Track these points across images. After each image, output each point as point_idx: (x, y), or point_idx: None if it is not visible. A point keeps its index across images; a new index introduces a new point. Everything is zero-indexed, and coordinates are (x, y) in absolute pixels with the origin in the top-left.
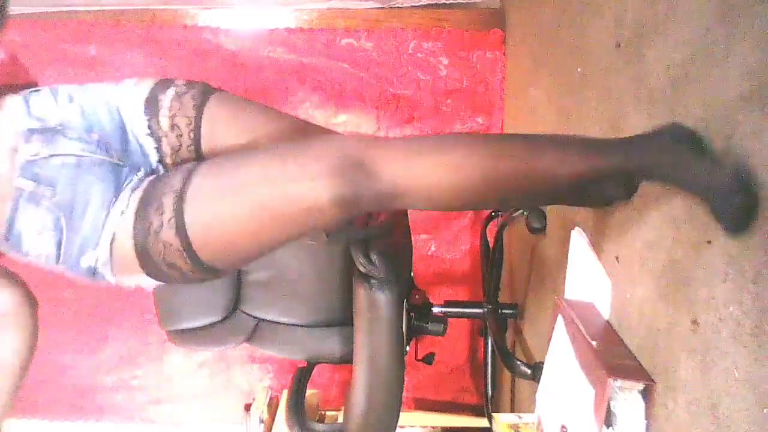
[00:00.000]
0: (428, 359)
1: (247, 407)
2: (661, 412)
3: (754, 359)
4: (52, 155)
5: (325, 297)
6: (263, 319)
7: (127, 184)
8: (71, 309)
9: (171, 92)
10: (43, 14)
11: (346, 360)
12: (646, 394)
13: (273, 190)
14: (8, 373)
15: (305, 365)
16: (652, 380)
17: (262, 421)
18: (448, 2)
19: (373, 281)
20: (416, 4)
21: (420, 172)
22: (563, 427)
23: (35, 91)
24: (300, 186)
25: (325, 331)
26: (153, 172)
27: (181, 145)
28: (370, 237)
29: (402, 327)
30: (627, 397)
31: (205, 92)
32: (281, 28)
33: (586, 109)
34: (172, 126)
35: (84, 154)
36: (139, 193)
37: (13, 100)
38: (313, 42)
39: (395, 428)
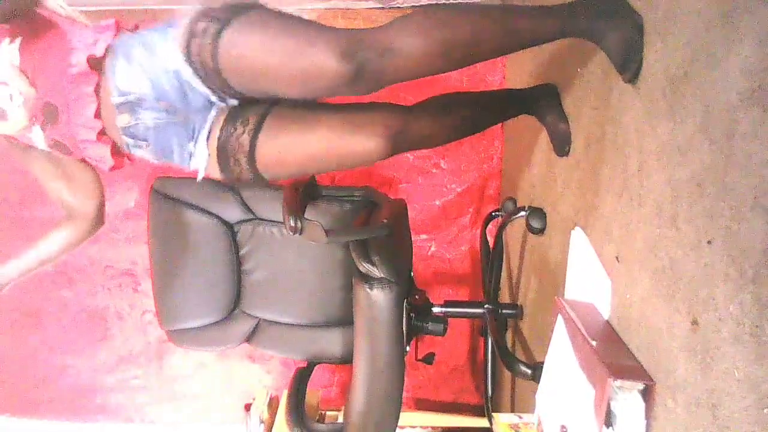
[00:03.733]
0: (428, 359)
1: (247, 407)
2: (661, 412)
3: (754, 359)
4: (137, 122)
5: (326, 297)
6: (263, 319)
7: (200, 134)
8: (71, 309)
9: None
10: None
11: (346, 360)
12: (646, 394)
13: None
14: (45, 256)
15: (305, 365)
16: (652, 380)
17: (262, 421)
18: (448, 2)
19: (373, 281)
20: (416, 4)
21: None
22: (563, 427)
23: (113, 56)
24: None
25: (325, 331)
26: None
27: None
28: (370, 237)
29: (402, 327)
30: (627, 397)
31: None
32: None
33: (586, 109)
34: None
35: (157, 121)
36: (216, 131)
37: (106, 67)
38: None
39: (395, 428)
